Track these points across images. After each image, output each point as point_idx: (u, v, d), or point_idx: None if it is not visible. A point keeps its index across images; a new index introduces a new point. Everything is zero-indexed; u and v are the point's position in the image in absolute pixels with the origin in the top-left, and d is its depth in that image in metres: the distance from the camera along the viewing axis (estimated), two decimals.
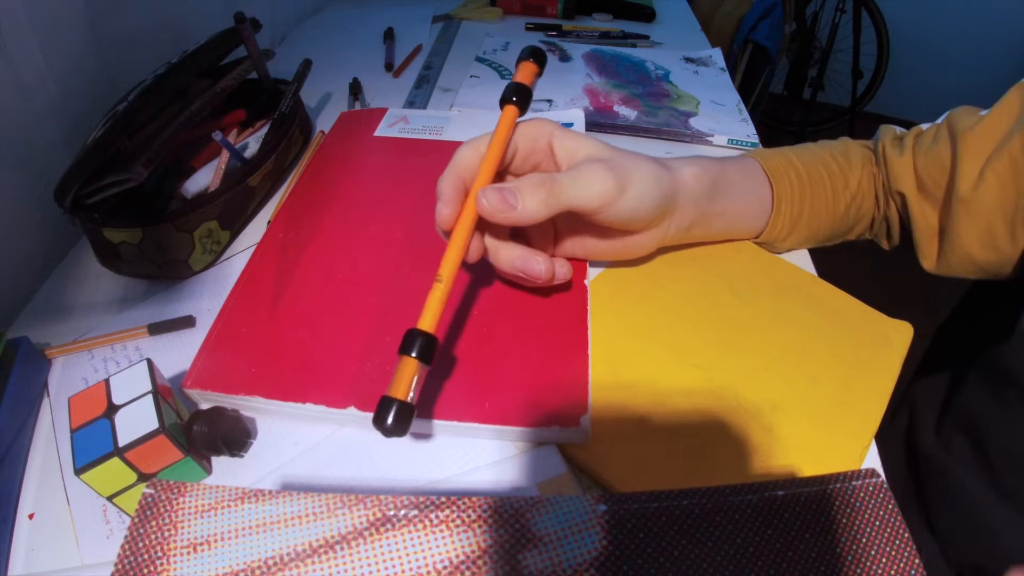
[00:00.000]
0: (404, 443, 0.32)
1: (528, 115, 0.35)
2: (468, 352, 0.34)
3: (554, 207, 0.31)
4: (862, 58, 2.05)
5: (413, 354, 0.27)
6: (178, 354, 0.37)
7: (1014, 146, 0.36)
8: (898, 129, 0.44)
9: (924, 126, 0.42)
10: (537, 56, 0.35)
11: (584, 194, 0.31)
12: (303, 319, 0.35)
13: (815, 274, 0.41)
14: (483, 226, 0.33)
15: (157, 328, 0.38)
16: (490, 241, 0.33)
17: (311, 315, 0.36)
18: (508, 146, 0.33)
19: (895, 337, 0.36)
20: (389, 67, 0.70)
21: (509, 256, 0.33)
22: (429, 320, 0.28)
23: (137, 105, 0.41)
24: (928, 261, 0.41)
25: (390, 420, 0.26)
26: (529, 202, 0.30)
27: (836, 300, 0.39)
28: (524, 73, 0.34)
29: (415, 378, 0.27)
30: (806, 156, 0.44)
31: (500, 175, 0.35)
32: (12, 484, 0.31)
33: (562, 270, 0.35)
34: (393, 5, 0.87)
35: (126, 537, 0.23)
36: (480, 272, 0.38)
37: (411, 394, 0.27)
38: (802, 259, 0.44)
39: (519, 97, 0.33)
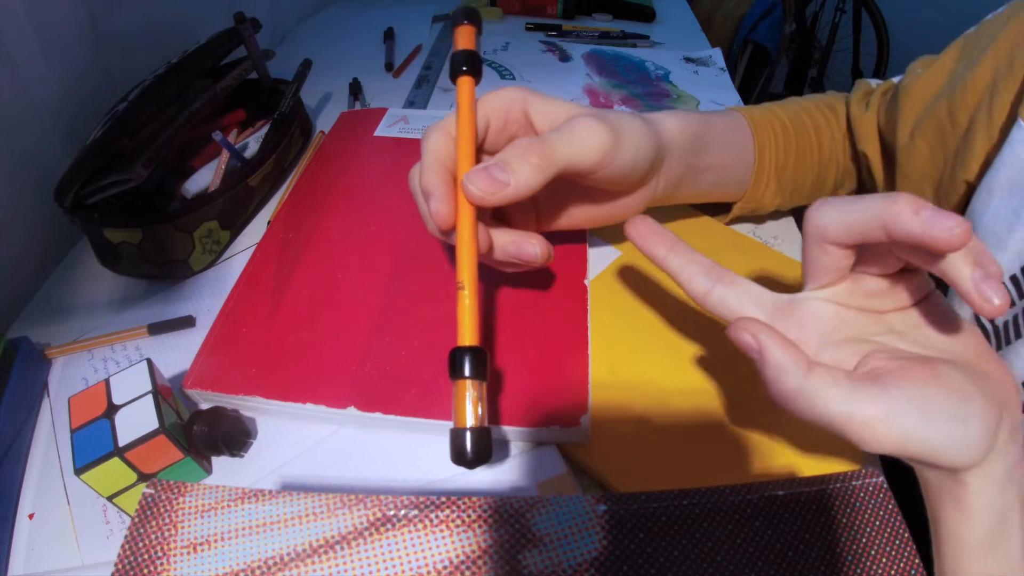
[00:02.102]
0: (404, 443, 0.32)
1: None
2: None
3: (548, 171, 0.27)
4: (862, 58, 2.05)
5: (466, 374, 0.25)
6: (178, 354, 0.37)
7: (941, 110, 0.35)
8: (874, 82, 0.42)
9: (896, 79, 0.40)
10: (470, 16, 0.31)
11: (580, 149, 0.28)
12: (303, 319, 0.35)
13: None
14: None
15: (157, 328, 0.38)
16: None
17: (311, 315, 0.36)
18: (477, 120, 0.30)
19: None
20: (389, 67, 0.70)
21: (499, 243, 0.30)
22: (468, 333, 0.26)
23: (137, 105, 0.41)
24: None
25: (469, 451, 0.23)
26: (521, 173, 0.26)
27: None
28: (465, 38, 0.31)
29: (477, 398, 0.25)
30: (790, 108, 0.43)
31: (477, 155, 0.31)
32: (12, 484, 0.31)
33: (551, 250, 0.31)
34: (393, 5, 0.87)
35: (126, 537, 0.23)
36: (479, 271, 0.38)
37: (479, 415, 0.24)
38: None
39: (469, 65, 0.30)
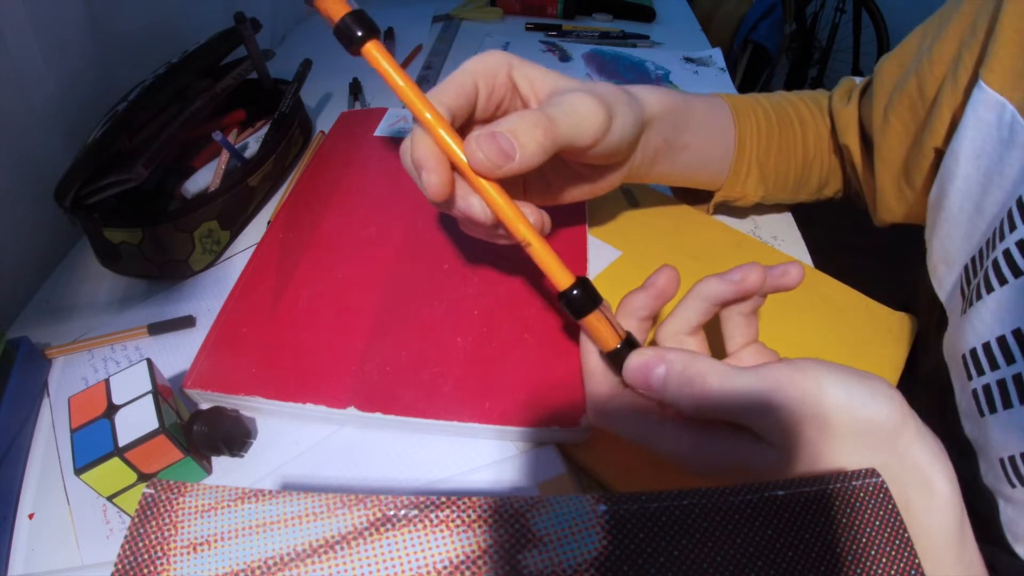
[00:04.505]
0: (404, 443, 0.32)
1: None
2: (468, 352, 0.34)
3: (551, 150, 0.26)
4: (862, 58, 2.05)
5: (590, 305, 0.26)
6: (178, 354, 0.37)
7: (910, 85, 0.36)
8: (858, 79, 0.43)
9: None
10: None
11: (580, 128, 0.27)
12: (303, 319, 0.35)
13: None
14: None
15: (157, 328, 0.38)
16: (469, 197, 0.27)
17: (311, 315, 0.36)
18: (467, 85, 0.28)
19: (899, 330, 0.36)
20: None
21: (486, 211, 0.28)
22: (562, 277, 0.26)
23: (137, 105, 0.41)
24: (873, 214, 0.41)
25: (632, 357, 0.26)
26: (528, 147, 0.25)
27: (839, 294, 0.39)
28: (334, 1, 0.26)
29: (608, 319, 0.26)
30: (776, 99, 0.43)
31: (469, 126, 0.30)
32: (12, 484, 0.31)
33: (547, 219, 0.30)
34: (393, 5, 0.87)
35: (126, 537, 0.23)
36: (479, 271, 0.38)
37: (619, 329, 0.27)
38: (802, 259, 0.44)
39: (363, 27, 0.25)
